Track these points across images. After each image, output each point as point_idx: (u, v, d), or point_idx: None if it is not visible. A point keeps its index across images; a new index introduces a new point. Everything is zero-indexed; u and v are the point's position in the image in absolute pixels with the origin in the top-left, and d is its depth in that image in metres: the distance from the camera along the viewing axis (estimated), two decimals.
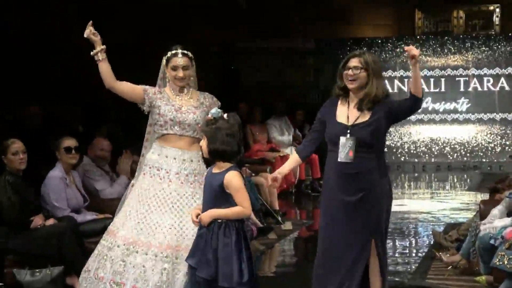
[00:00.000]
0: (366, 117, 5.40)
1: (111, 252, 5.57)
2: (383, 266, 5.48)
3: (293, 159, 5.78)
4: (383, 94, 5.40)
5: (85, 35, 5.68)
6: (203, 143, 4.98)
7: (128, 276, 5.45)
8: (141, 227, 5.55)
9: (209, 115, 5.03)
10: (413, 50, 5.19)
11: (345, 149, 5.34)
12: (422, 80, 17.49)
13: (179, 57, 5.70)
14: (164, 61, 5.78)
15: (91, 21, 5.70)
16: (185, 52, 5.71)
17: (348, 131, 5.37)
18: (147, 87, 5.78)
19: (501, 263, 6.50)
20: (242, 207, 4.83)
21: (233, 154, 4.89)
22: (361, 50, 5.61)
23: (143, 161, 5.87)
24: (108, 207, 7.73)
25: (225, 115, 4.95)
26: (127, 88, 5.72)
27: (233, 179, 4.83)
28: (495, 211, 7.31)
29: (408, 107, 5.38)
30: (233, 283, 4.76)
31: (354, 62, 5.41)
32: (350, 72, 5.40)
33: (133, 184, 5.89)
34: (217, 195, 4.88)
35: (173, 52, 5.72)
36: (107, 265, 5.54)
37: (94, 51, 5.68)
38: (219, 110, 5.00)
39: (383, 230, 5.50)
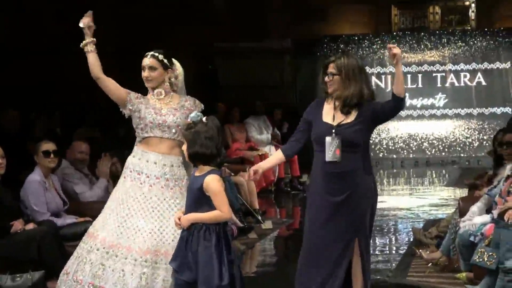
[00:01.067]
0: (351, 118, 5.46)
1: (90, 255, 5.56)
2: (365, 266, 5.50)
3: (277, 156, 5.83)
4: (364, 96, 5.43)
5: (81, 24, 5.72)
6: (184, 147, 5.00)
7: (107, 279, 5.44)
8: (121, 230, 5.54)
9: (188, 119, 5.06)
10: (395, 49, 5.26)
11: (331, 148, 5.38)
12: None
13: (146, 58, 5.80)
14: None
15: (91, 11, 5.75)
16: (156, 54, 5.77)
17: (333, 130, 5.42)
18: (131, 91, 5.80)
19: (481, 260, 6.53)
20: (220, 211, 4.85)
21: (212, 157, 4.91)
22: (339, 54, 5.65)
23: (127, 166, 5.85)
24: (88, 210, 7.72)
25: (204, 119, 4.96)
26: (112, 84, 5.75)
27: (211, 183, 4.85)
28: (474, 208, 7.33)
29: (391, 107, 5.44)
30: (212, 286, 4.77)
31: (330, 67, 5.49)
32: (326, 78, 5.49)
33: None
34: (198, 198, 4.91)
35: (146, 54, 5.79)
36: (86, 268, 5.53)
37: (85, 42, 5.73)
38: (199, 113, 5.03)
39: (367, 229, 5.52)
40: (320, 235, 5.47)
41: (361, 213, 5.44)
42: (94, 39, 5.74)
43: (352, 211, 5.41)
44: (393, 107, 5.42)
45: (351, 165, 5.40)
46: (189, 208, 4.95)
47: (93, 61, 5.73)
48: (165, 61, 5.78)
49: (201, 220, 4.87)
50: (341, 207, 5.41)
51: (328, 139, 5.40)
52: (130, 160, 5.77)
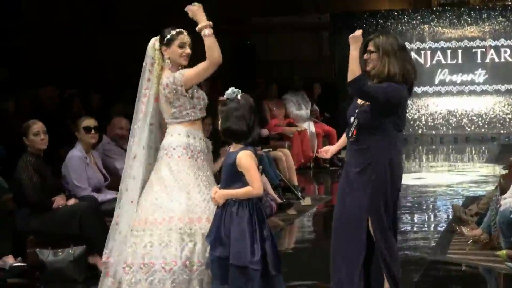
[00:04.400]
0: None
1: (171, 236, 5.38)
2: (380, 246, 5.35)
3: (342, 139, 5.80)
4: (395, 78, 5.33)
5: (190, 12, 5.53)
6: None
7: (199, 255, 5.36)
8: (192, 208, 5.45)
9: (224, 96, 5.02)
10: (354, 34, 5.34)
11: (351, 128, 5.43)
12: (439, 52, 17.42)
13: (185, 35, 5.65)
14: (160, 43, 5.64)
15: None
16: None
17: (357, 111, 5.44)
18: None
19: None
20: (252, 187, 4.84)
21: (243, 135, 4.89)
22: (378, 31, 5.63)
23: (180, 145, 5.60)
24: None
25: (239, 96, 4.95)
26: None
27: (243, 159, 4.85)
28: None
29: None
30: (244, 261, 4.76)
31: (369, 45, 5.46)
32: (365, 56, 5.46)
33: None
34: (231, 173, 4.91)
35: (177, 30, 5.64)
36: (175, 252, 5.36)
37: (200, 26, 5.48)
38: (235, 90, 4.98)
39: (380, 208, 5.35)
40: (340, 208, 5.50)
41: (373, 191, 5.35)
42: (210, 22, 5.48)
43: (365, 187, 5.36)
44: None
45: (368, 144, 5.37)
46: (224, 184, 4.96)
47: (214, 44, 5.45)
48: None
49: (233, 196, 4.87)
50: (357, 180, 5.39)
51: (351, 119, 5.45)
52: (178, 139, 5.64)
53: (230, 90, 4.99)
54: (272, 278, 4.84)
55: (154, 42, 5.70)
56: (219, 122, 5.01)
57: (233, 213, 4.85)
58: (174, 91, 5.53)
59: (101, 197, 7.52)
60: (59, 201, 7.20)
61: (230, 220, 4.85)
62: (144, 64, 5.72)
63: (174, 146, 5.56)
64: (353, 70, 5.29)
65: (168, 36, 5.63)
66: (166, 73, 5.62)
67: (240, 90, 4.99)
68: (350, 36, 5.31)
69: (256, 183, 4.83)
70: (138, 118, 5.73)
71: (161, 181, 5.52)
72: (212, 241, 4.92)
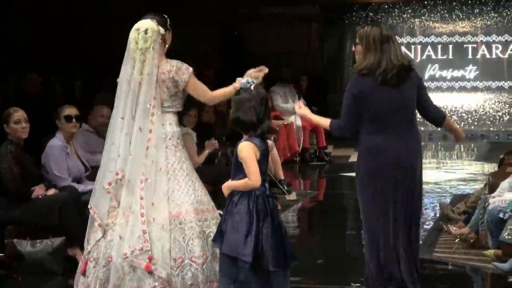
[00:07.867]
0: None
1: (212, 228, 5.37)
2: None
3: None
4: (379, 68, 5.27)
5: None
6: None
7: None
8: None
9: (238, 85, 5.04)
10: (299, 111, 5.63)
11: None
12: (429, 47, 17.38)
13: None
14: (167, 29, 5.49)
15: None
16: None
17: None
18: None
19: (510, 237, 6.57)
20: (249, 178, 4.81)
21: (251, 125, 4.86)
22: (365, 24, 5.61)
23: (174, 135, 5.54)
24: None
25: (252, 87, 4.92)
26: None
27: (242, 150, 4.84)
28: (505, 183, 7.24)
29: None
30: (235, 253, 4.74)
31: (356, 38, 5.44)
32: (353, 48, 5.52)
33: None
34: (235, 164, 4.94)
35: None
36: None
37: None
38: (250, 81, 4.96)
39: (361, 208, 5.48)
40: None
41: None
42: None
43: None
44: None
45: None
46: (232, 175, 4.97)
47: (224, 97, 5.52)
48: None
49: (234, 187, 4.89)
50: None
51: None
52: (172, 129, 5.51)
53: (245, 79, 5.02)
54: (272, 274, 4.79)
55: (157, 27, 5.41)
56: (230, 111, 5.02)
57: (233, 203, 4.86)
58: (174, 79, 5.40)
59: (81, 187, 7.42)
60: (38, 191, 7.11)
61: (230, 211, 4.86)
62: (143, 47, 5.37)
63: (170, 136, 5.48)
64: (323, 125, 5.57)
65: (169, 21, 5.54)
66: (163, 59, 5.45)
67: (254, 81, 4.99)
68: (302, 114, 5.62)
69: (253, 175, 4.80)
70: (151, 104, 5.41)
71: (164, 174, 5.41)
72: (215, 234, 4.97)
